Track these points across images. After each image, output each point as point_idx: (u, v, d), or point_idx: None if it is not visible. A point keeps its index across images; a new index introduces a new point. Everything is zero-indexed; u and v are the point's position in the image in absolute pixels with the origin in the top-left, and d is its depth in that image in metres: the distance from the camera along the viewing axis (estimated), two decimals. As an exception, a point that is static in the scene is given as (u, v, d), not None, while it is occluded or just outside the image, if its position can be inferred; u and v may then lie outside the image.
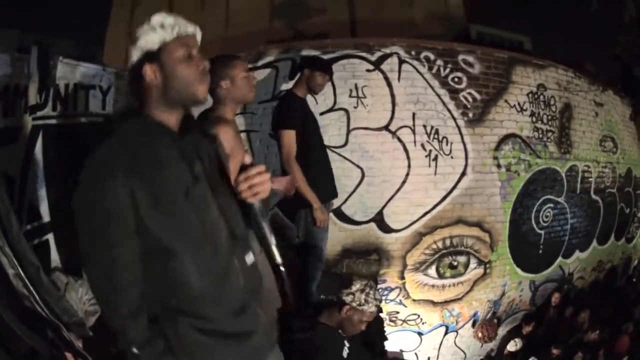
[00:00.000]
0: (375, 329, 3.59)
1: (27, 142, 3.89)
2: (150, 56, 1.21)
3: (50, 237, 3.86)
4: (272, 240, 1.31)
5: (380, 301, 2.50)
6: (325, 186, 3.17)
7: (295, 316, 2.63)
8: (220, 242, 1.24)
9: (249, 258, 1.32)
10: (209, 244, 1.21)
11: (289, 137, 2.97)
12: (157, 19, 1.21)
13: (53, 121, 4.05)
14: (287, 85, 3.94)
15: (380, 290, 2.51)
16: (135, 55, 1.22)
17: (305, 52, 4.32)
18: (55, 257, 3.85)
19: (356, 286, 2.43)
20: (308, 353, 2.35)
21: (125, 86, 4.57)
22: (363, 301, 2.39)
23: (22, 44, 4.13)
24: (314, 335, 2.42)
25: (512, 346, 4.96)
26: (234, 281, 1.25)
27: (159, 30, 1.20)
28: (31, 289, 1.54)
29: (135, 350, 1.16)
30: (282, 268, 1.35)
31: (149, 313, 1.19)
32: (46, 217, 3.84)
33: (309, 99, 3.24)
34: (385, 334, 3.84)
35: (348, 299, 2.42)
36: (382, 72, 4.39)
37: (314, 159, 3.08)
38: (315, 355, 2.38)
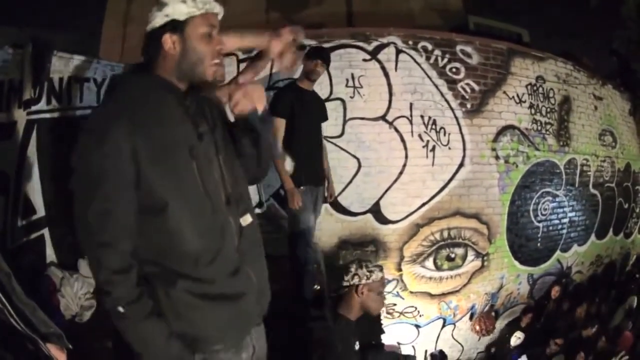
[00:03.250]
0: (372, 321, 3.57)
1: (21, 138, 3.86)
2: (174, 26, 1.21)
3: (45, 232, 3.82)
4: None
5: (378, 265, 2.60)
6: (309, 170, 3.25)
7: (314, 305, 2.65)
8: (219, 202, 1.24)
9: (246, 219, 1.32)
10: (208, 202, 1.21)
11: (276, 124, 3.11)
12: None
13: (47, 115, 4.02)
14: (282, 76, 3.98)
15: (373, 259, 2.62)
16: (158, 20, 1.22)
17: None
18: (50, 252, 3.81)
19: (353, 267, 2.49)
20: (324, 342, 2.37)
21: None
22: (368, 273, 2.47)
23: (18, 40, 4.09)
24: (333, 326, 2.44)
25: (515, 341, 4.92)
26: (229, 241, 1.25)
27: (189, 2, 1.21)
28: (3, 299, 1.41)
29: (120, 309, 1.13)
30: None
31: (142, 273, 1.18)
32: (41, 212, 3.81)
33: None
34: (382, 326, 3.81)
35: (355, 280, 2.47)
36: (379, 61, 4.35)
37: (298, 146, 3.18)
38: (332, 346, 2.38)
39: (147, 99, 1.19)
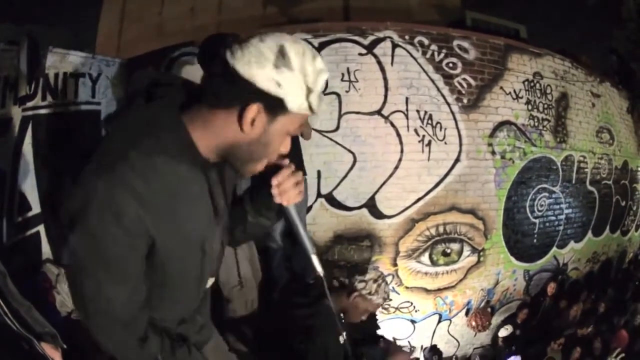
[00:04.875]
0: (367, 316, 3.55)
1: (17, 134, 3.84)
2: (276, 106, 0.91)
3: (41, 228, 3.80)
4: (312, 250, 1.18)
5: (388, 295, 2.50)
6: None
7: (300, 293, 2.60)
8: (207, 276, 1.19)
9: (209, 282, 1.27)
10: (198, 285, 1.18)
11: None
12: (323, 85, 0.95)
13: (42, 111, 4.01)
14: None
15: (389, 286, 2.47)
16: (264, 79, 0.88)
17: (297, 36, 4.26)
18: (46, 249, 3.79)
19: (370, 275, 2.42)
20: (308, 328, 2.33)
21: (116, 75, 4.53)
22: (373, 291, 2.38)
23: (14, 36, 4.08)
24: (317, 312, 2.39)
25: (504, 332, 4.92)
26: (193, 304, 1.24)
27: (313, 99, 0.94)
28: None
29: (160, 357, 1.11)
30: (322, 276, 1.21)
31: None
32: (37, 208, 3.79)
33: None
34: (378, 321, 3.80)
35: (360, 285, 2.40)
36: (375, 56, 4.32)
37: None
38: (315, 332, 2.34)
39: (167, 176, 0.93)
